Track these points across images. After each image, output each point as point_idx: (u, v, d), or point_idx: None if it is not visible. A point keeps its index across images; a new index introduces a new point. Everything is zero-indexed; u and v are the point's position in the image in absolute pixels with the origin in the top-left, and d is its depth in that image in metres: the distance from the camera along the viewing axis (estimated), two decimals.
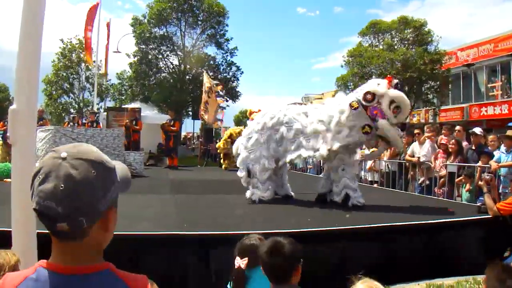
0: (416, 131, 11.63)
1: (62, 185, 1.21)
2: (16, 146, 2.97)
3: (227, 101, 35.02)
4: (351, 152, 8.19)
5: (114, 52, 28.01)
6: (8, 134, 2.98)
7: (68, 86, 35.95)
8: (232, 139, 17.08)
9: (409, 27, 28.38)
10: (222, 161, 17.76)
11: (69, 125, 18.17)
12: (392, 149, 11.77)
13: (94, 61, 26.32)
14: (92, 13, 22.89)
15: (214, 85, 19.79)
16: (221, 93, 27.69)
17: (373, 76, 26.71)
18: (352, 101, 7.74)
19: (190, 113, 32.97)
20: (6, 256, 2.69)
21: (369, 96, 7.66)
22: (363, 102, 7.67)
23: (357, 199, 7.85)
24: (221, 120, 25.58)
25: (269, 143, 8.30)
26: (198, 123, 26.25)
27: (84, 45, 24.88)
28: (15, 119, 2.94)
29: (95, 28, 23.65)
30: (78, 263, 1.28)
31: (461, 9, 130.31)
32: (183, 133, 35.60)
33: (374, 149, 12.36)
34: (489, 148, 9.55)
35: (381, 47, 29.19)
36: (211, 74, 24.86)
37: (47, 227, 1.25)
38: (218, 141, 20.30)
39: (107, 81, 36.84)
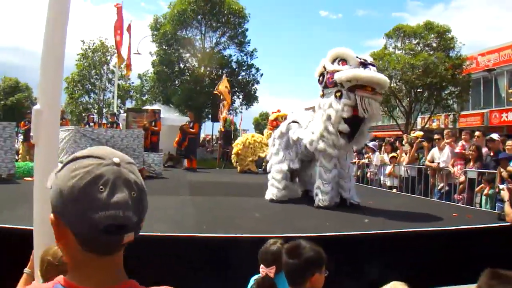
0: (436, 136, 11.50)
1: (134, 192, 1.15)
2: (39, 146, 3.00)
3: (245, 104, 35.07)
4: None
5: (135, 53, 28.24)
6: (31, 134, 3.01)
7: (90, 87, 36.39)
8: (246, 145, 17.16)
9: (433, 32, 28.10)
10: (235, 163, 17.91)
11: (85, 126, 18.34)
12: (411, 154, 11.70)
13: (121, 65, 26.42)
14: (119, 16, 22.75)
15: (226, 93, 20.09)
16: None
17: (393, 80, 26.55)
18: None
19: (210, 115, 32.96)
20: (54, 250, 2.52)
21: (320, 79, 8.06)
22: (321, 85, 8.03)
23: (353, 198, 8.23)
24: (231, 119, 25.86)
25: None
26: (217, 126, 26.33)
27: (115, 48, 24.79)
28: (38, 119, 2.97)
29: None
30: (106, 283, 1.18)
31: (487, 12, 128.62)
32: (202, 135, 35.66)
33: (393, 153, 12.33)
34: (507, 153, 9.36)
35: (403, 52, 28.94)
36: (230, 78, 24.86)
37: (106, 245, 1.16)
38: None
39: (131, 83, 37.19)
